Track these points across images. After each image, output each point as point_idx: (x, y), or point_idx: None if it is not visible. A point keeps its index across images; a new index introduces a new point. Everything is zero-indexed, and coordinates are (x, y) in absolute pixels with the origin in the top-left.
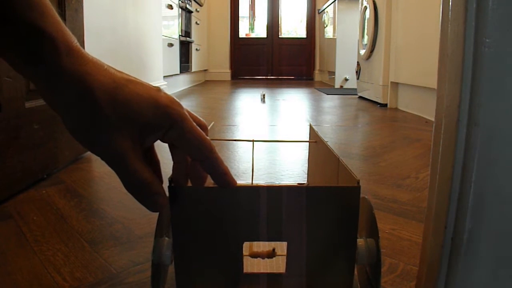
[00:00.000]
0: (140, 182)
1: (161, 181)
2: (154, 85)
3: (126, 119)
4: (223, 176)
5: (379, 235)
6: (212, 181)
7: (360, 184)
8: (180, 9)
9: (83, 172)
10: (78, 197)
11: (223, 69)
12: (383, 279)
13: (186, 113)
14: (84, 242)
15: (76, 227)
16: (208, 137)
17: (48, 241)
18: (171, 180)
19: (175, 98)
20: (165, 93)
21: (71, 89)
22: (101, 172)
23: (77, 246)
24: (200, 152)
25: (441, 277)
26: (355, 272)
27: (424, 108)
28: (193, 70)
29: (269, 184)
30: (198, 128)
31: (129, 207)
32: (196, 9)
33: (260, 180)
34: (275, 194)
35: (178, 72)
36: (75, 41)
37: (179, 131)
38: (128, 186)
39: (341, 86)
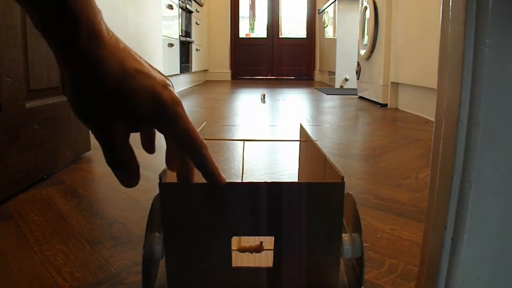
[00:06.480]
0: (121, 162)
1: (153, 151)
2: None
3: (126, 110)
4: (211, 176)
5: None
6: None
7: (345, 180)
8: (180, 9)
9: (83, 172)
10: (78, 197)
11: (223, 69)
12: (384, 279)
13: (184, 113)
14: (84, 242)
15: (76, 227)
16: (202, 138)
17: (48, 241)
18: (160, 177)
19: (177, 96)
20: (169, 91)
21: (84, 70)
22: (101, 172)
23: (77, 246)
24: (190, 151)
25: (441, 277)
26: (343, 266)
27: (424, 108)
28: (193, 70)
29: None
30: (193, 127)
31: (129, 207)
32: (196, 9)
33: (260, 180)
34: (262, 190)
35: (178, 72)
36: (99, 18)
37: (172, 130)
38: (109, 163)
39: (341, 86)
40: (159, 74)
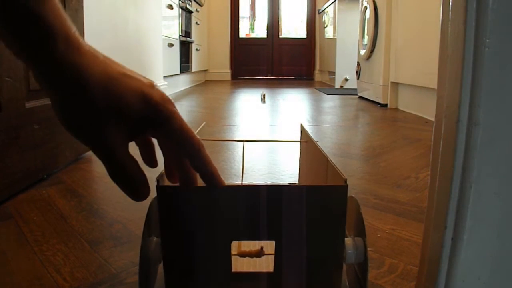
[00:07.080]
0: (125, 174)
1: (156, 165)
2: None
3: (117, 113)
4: (209, 176)
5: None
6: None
7: (348, 183)
8: (180, 9)
9: (83, 172)
10: (78, 197)
11: (223, 69)
12: (383, 279)
13: (176, 111)
14: (84, 242)
15: (76, 227)
16: (198, 137)
17: (48, 241)
18: (158, 180)
19: (167, 95)
20: (158, 90)
21: (65, 80)
22: (101, 172)
23: (77, 246)
24: (187, 150)
25: (441, 277)
26: (345, 270)
27: (424, 108)
28: (193, 70)
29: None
30: (187, 125)
31: (129, 207)
32: (196, 9)
33: (260, 180)
34: (262, 193)
35: (178, 72)
36: (73, 29)
37: (167, 128)
38: (114, 177)
39: (341, 86)
40: (144, 77)
